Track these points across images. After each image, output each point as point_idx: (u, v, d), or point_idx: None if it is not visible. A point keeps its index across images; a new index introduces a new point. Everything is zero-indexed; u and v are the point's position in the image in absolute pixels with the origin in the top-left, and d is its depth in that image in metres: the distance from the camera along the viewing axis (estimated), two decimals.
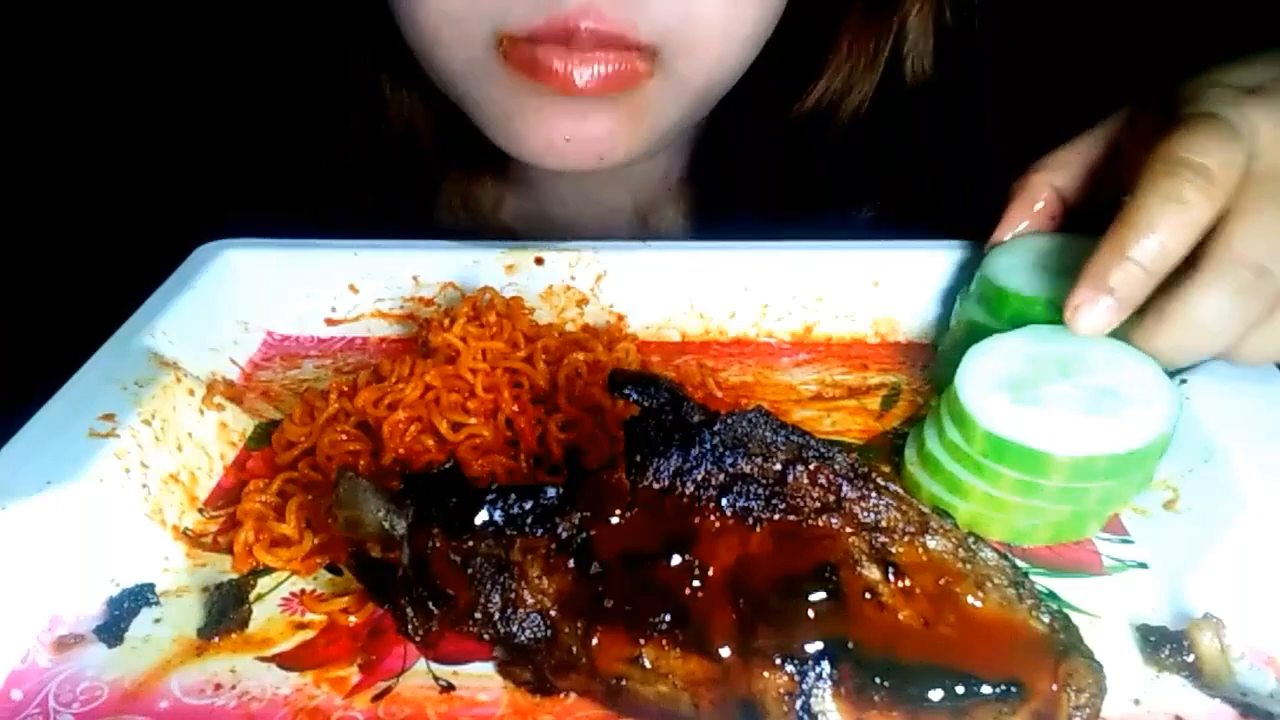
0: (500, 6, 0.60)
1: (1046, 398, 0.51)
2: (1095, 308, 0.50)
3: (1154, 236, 0.48)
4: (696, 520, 0.42)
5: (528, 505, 0.43)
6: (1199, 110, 0.51)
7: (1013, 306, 0.58)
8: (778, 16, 0.67)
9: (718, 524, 0.41)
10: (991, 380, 0.52)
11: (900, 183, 0.84)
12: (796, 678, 0.38)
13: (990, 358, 0.53)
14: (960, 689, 0.37)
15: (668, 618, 0.39)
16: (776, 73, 0.74)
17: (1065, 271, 0.56)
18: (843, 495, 0.42)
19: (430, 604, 0.44)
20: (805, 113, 0.81)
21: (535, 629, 0.42)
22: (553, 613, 0.42)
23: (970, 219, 0.66)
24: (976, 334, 0.57)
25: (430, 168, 0.86)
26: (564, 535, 0.42)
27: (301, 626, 0.48)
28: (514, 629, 0.42)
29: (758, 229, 0.72)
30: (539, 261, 0.70)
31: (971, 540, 0.42)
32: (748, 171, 0.84)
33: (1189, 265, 0.49)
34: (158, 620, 0.49)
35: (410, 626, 0.44)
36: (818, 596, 0.39)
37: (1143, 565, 0.50)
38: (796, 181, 0.84)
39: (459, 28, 0.62)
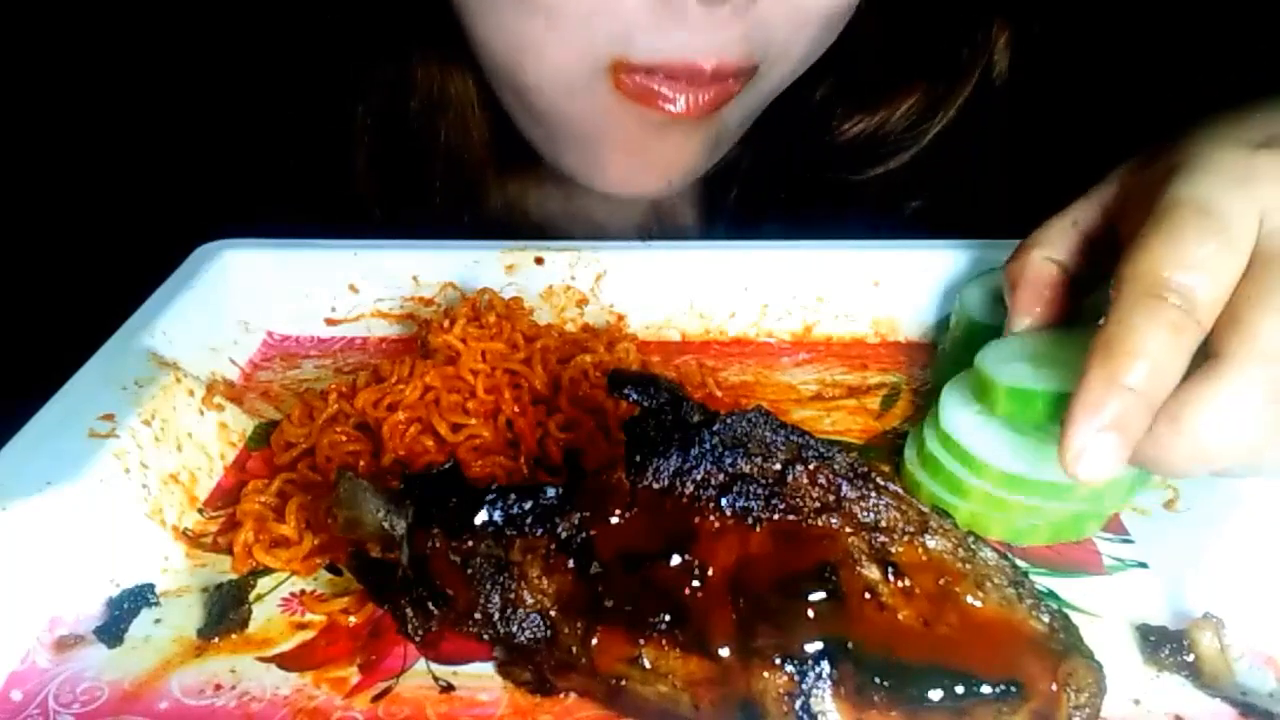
0: (620, 33, 0.59)
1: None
2: (1100, 448, 0.41)
3: (1146, 360, 0.41)
4: (696, 520, 0.42)
5: (527, 505, 0.43)
6: (1187, 195, 0.43)
7: (1008, 401, 0.50)
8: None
9: (717, 524, 0.41)
10: None
11: (948, 178, 0.82)
12: (796, 678, 0.38)
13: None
14: (960, 689, 0.37)
15: (667, 618, 0.39)
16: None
17: (1060, 362, 0.49)
18: (842, 495, 0.42)
19: (430, 604, 0.44)
20: (847, 135, 0.80)
21: (535, 629, 0.42)
22: (553, 613, 0.42)
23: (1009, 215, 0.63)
24: (976, 334, 0.57)
25: (480, 173, 0.82)
26: (564, 535, 0.42)
27: (301, 627, 0.48)
28: (514, 629, 0.42)
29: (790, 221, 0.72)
30: (539, 261, 0.70)
31: (971, 540, 0.42)
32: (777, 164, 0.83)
33: (1200, 356, 0.42)
34: (158, 620, 0.49)
35: (410, 626, 0.44)
36: (817, 596, 0.39)
37: (1143, 565, 0.50)
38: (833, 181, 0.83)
39: (570, 48, 0.60)
